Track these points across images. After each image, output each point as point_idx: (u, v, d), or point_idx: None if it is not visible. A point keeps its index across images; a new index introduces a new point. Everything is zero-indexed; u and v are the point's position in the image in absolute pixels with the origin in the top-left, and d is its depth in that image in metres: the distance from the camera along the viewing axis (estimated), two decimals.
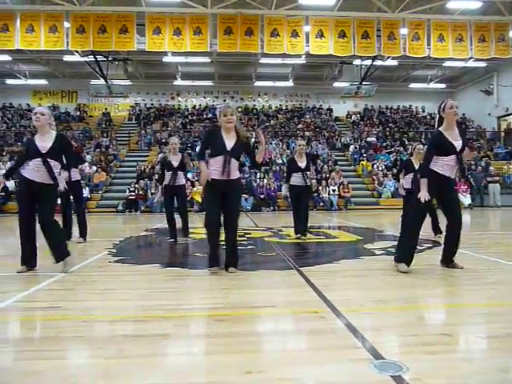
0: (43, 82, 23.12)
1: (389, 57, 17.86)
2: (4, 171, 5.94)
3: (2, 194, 15.63)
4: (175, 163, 6.76)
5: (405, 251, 4.27)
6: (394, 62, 20.33)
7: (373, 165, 18.82)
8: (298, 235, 7.00)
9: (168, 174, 6.78)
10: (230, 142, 4.31)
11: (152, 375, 1.97)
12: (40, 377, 1.96)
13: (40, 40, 14.02)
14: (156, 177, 15.96)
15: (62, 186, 4.42)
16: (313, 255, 5.73)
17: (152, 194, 15.83)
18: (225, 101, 25.03)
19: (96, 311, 3.03)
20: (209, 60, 20.01)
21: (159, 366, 2.09)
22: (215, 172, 4.26)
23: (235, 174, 4.36)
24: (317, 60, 20.27)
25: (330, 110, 25.21)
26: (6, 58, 19.17)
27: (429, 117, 24.42)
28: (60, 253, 4.37)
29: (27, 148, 4.45)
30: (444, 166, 4.17)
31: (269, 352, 2.29)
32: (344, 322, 2.65)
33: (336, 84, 23.51)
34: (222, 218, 4.33)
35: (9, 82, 23.02)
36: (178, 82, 23.70)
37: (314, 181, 7.07)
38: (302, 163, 6.90)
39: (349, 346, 2.28)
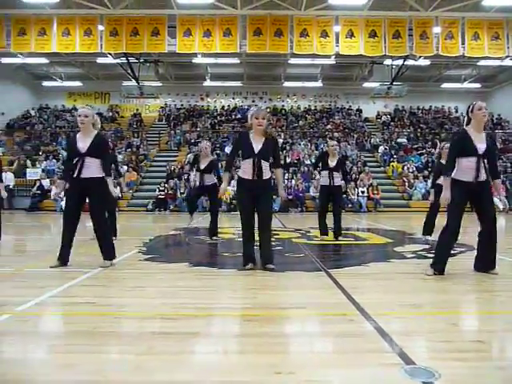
0: (78, 83, 23.82)
1: (421, 56, 17.49)
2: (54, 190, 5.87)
3: (38, 192, 16.18)
4: (202, 166, 6.95)
5: (438, 257, 4.17)
6: (427, 62, 19.90)
7: (403, 166, 18.48)
8: (323, 237, 6.98)
9: (197, 174, 7.04)
10: (257, 145, 4.38)
11: (181, 372, 2.00)
12: (74, 370, 2.02)
13: (75, 43, 14.44)
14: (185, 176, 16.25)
15: (116, 195, 4.67)
16: (341, 257, 5.68)
17: (181, 193, 16.05)
18: (253, 101, 25.11)
19: (127, 308, 3.10)
20: (238, 61, 20.11)
21: (188, 364, 2.12)
22: (246, 172, 4.38)
23: (266, 175, 4.43)
24: (346, 60, 20.06)
25: (359, 110, 24.91)
26: (44, 60, 19.83)
27: (462, 117, 23.77)
28: (109, 252, 4.61)
29: (69, 148, 4.65)
30: (465, 169, 4.05)
31: (298, 353, 2.28)
32: (373, 326, 2.61)
33: (366, 84, 23.20)
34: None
35: (45, 83, 23.85)
36: (208, 83, 23.94)
37: (342, 182, 7.04)
38: (332, 162, 6.89)
39: (378, 350, 2.25)
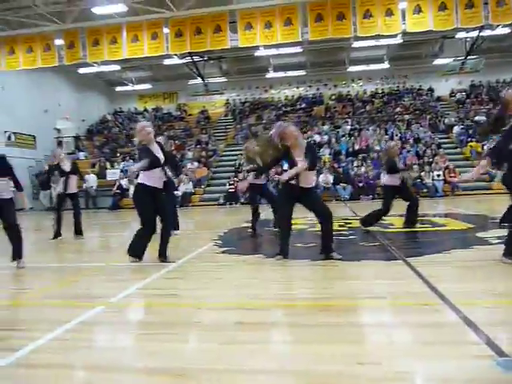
0: (147, 86, 24.93)
1: (499, 25, 16.12)
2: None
3: (118, 191, 17.23)
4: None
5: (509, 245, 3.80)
6: (506, 30, 18.31)
7: (483, 146, 17.26)
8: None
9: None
10: None
11: (262, 361, 2.04)
12: (160, 357, 2.14)
13: (144, 48, 15.08)
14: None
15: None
16: (419, 245, 5.45)
17: None
18: (318, 89, 24.76)
19: (207, 299, 3.22)
20: (300, 49, 19.90)
21: (269, 353, 2.17)
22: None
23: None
24: (414, 38, 19.04)
25: (430, 89, 23.59)
26: (116, 67, 20.99)
27: None
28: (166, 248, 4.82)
29: (151, 156, 4.63)
30: None
31: (381, 344, 2.24)
32: (460, 316, 2.49)
33: (437, 61, 21.91)
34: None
35: (118, 89, 25.26)
36: (271, 74, 23.95)
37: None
38: (399, 164, 6.63)
39: (467, 342, 2.15)
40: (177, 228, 7.34)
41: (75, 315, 2.83)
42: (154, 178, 4.61)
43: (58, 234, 7.47)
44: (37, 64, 15.65)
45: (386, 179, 6.69)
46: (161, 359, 2.12)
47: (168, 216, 4.93)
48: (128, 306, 3.20)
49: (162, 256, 4.76)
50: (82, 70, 20.60)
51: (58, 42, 15.50)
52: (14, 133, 19.03)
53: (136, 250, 4.75)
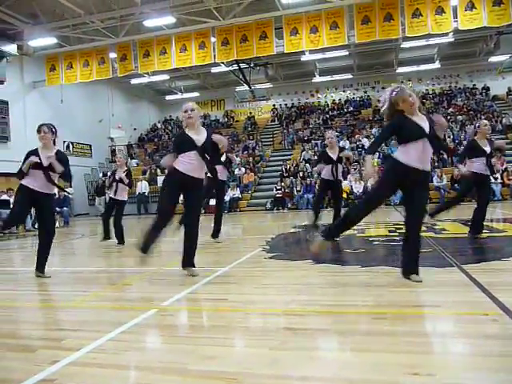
0: (195, 94, 25.56)
1: None
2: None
3: None
4: (334, 156, 6.55)
5: None
6: None
7: None
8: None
9: (328, 168, 6.55)
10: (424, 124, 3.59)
11: (314, 368, 2.03)
12: (218, 361, 2.18)
13: (192, 57, 15.52)
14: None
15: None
16: (475, 251, 5.21)
17: (298, 191, 16.21)
18: (365, 92, 24.35)
19: (258, 304, 3.24)
20: (347, 53, 19.67)
21: (320, 360, 2.15)
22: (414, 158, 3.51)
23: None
24: (467, 35, 18.32)
25: (485, 88, 22.53)
26: (165, 77, 21.69)
27: None
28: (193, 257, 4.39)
29: (181, 141, 4.26)
30: None
31: (435, 354, 2.16)
32: None
33: (492, 59, 20.92)
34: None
35: (168, 97, 26.06)
36: (317, 78, 23.83)
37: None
38: (487, 147, 5.98)
39: None
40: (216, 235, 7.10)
41: (130, 318, 2.93)
42: (186, 164, 4.14)
43: (106, 237, 7.52)
44: (92, 77, 16.52)
45: (469, 165, 5.87)
46: (212, 363, 2.15)
47: (195, 215, 4.32)
48: (180, 309, 3.28)
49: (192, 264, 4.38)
50: (133, 81, 21.45)
51: (112, 55, 16.28)
52: (72, 142, 20.09)
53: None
